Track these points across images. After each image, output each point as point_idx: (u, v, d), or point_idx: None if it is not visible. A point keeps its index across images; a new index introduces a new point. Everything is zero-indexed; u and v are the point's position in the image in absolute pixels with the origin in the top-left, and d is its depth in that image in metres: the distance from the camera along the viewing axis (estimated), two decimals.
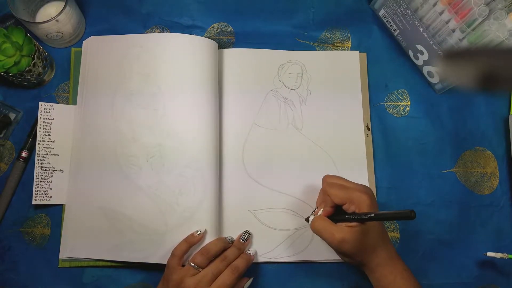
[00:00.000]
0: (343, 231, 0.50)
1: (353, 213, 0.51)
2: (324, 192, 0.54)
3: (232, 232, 0.60)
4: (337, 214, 0.53)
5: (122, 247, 0.58)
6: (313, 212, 0.55)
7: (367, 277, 0.60)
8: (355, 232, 0.49)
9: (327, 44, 0.68)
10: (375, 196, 0.63)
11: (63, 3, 0.59)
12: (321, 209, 0.54)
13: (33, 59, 0.59)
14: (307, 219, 0.58)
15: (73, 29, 0.63)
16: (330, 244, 0.51)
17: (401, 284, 0.50)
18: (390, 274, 0.51)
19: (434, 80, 0.66)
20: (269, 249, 0.60)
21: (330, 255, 0.60)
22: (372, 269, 0.52)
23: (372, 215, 0.48)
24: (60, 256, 0.59)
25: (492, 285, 0.62)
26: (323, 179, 0.55)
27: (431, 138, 0.66)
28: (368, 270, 0.52)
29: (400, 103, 0.67)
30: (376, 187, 0.63)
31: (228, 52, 0.66)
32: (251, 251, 0.59)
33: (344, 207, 0.52)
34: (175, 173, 0.58)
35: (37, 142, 0.60)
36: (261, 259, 0.60)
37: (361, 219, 0.49)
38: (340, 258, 0.60)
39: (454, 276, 0.62)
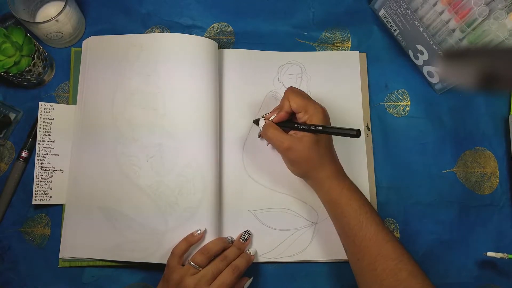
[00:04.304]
0: (292, 140, 0.53)
1: (303, 123, 0.54)
2: (285, 97, 0.56)
3: (232, 232, 0.60)
4: (288, 122, 0.56)
5: (122, 247, 0.58)
6: (264, 116, 0.58)
7: None
8: (303, 142, 0.53)
9: (327, 44, 0.68)
10: (375, 192, 0.63)
11: (63, 3, 0.59)
12: (274, 114, 0.57)
13: (33, 59, 0.59)
14: (255, 121, 0.61)
15: (73, 29, 0.63)
16: (277, 149, 0.55)
17: (348, 195, 0.53)
18: (338, 187, 0.53)
19: (434, 80, 0.66)
20: (269, 249, 0.60)
21: (330, 255, 0.60)
22: (320, 181, 0.54)
23: (320, 127, 0.52)
24: (60, 256, 0.59)
25: (492, 285, 0.62)
26: (288, 87, 0.57)
27: (431, 138, 0.66)
28: (317, 183, 0.55)
29: (400, 103, 0.67)
30: (376, 187, 0.63)
31: (228, 53, 0.66)
32: (251, 251, 0.59)
33: (299, 115, 0.55)
34: (175, 173, 0.58)
35: (37, 142, 0.60)
36: (261, 259, 0.60)
37: (308, 130, 0.53)
38: (340, 258, 0.60)
39: (454, 276, 0.62)
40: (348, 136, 0.50)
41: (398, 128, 0.66)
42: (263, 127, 0.57)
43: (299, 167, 0.55)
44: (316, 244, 0.61)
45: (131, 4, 0.68)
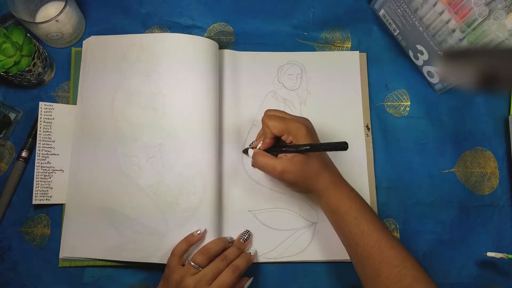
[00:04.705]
0: (283, 163, 0.52)
1: (290, 145, 0.53)
2: (264, 124, 0.55)
3: (232, 232, 0.60)
4: (276, 146, 0.55)
5: (122, 247, 0.58)
6: (251, 145, 0.57)
7: None
8: (295, 162, 0.52)
9: (327, 44, 0.68)
10: (375, 192, 0.63)
11: (63, 3, 0.59)
12: (260, 142, 0.56)
13: (33, 59, 0.59)
14: (245, 151, 0.61)
15: (73, 29, 0.63)
16: (272, 176, 0.54)
17: (347, 203, 0.52)
18: (336, 196, 0.53)
19: (434, 80, 0.66)
20: (269, 249, 0.60)
21: (330, 255, 0.60)
22: (319, 194, 0.54)
23: (307, 147, 0.51)
24: (60, 256, 0.59)
25: (492, 285, 0.62)
26: (264, 112, 0.56)
27: (431, 138, 0.66)
28: (316, 196, 0.55)
29: (400, 103, 0.67)
30: (376, 187, 0.63)
31: (228, 53, 0.66)
32: (251, 251, 0.59)
33: (283, 138, 0.54)
34: (175, 173, 0.58)
35: (37, 142, 0.60)
36: (261, 259, 0.60)
37: (297, 151, 0.52)
38: (340, 258, 0.60)
39: (454, 276, 0.62)
40: (337, 150, 0.49)
41: (398, 128, 0.66)
42: (253, 157, 0.55)
43: (298, 185, 0.54)
44: (316, 244, 0.61)
45: (131, 4, 0.68)
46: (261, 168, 0.55)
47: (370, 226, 0.50)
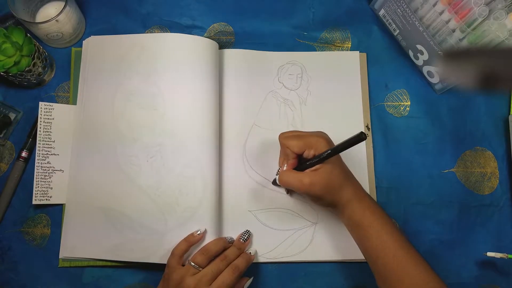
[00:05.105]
0: (310, 175, 0.52)
1: (312, 157, 0.53)
2: (283, 147, 0.55)
3: (232, 232, 0.60)
4: (300, 164, 0.55)
5: (122, 247, 0.58)
6: (278, 173, 0.57)
7: (367, 277, 0.60)
8: (320, 173, 0.52)
9: (327, 44, 0.68)
10: (375, 192, 0.63)
11: (63, 3, 0.59)
12: (285, 165, 0.56)
13: (33, 59, 0.59)
14: (273, 182, 0.61)
15: (73, 29, 0.63)
16: (300, 190, 0.53)
17: (370, 217, 0.52)
18: (359, 209, 0.53)
19: (434, 80, 0.66)
20: (269, 249, 0.60)
21: (330, 255, 0.60)
22: (342, 207, 0.53)
23: (328, 151, 0.51)
24: (60, 256, 0.59)
25: (492, 285, 0.62)
26: (278, 137, 0.56)
27: (431, 138, 0.66)
28: (339, 210, 0.54)
29: (400, 103, 0.67)
30: (376, 187, 0.63)
31: (228, 53, 0.66)
32: (251, 251, 0.59)
33: (304, 154, 0.54)
34: (175, 173, 0.58)
35: (37, 142, 0.60)
36: (261, 259, 0.60)
37: (320, 159, 0.52)
38: (340, 258, 0.60)
39: (454, 276, 0.62)
40: (357, 143, 0.48)
41: (398, 128, 0.66)
42: (279, 177, 0.55)
43: (324, 198, 0.53)
44: (316, 244, 0.60)
45: (131, 4, 0.68)
46: (286, 183, 0.54)
47: (392, 240, 0.50)
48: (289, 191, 0.62)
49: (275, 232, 0.61)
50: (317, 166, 0.52)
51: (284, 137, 0.55)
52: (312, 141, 0.53)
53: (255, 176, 0.62)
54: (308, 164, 0.53)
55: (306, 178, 0.52)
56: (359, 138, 0.47)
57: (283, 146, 0.55)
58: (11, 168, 0.61)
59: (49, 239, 0.60)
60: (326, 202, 0.54)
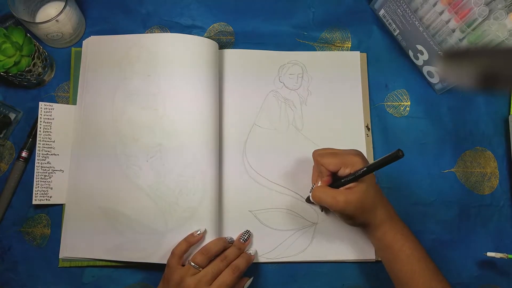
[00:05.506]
0: (344, 193, 0.51)
1: (348, 175, 0.52)
2: (318, 164, 0.55)
3: (232, 232, 0.60)
4: (334, 181, 0.55)
5: (122, 247, 0.58)
6: (311, 190, 0.57)
7: (367, 277, 0.60)
8: (355, 192, 0.51)
9: (327, 44, 0.68)
10: None
11: (63, 3, 0.59)
12: (319, 182, 0.55)
13: (33, 59, 0.59)
14: (307, 200, 0.60)
15: (73, 29, 0.63)
16: (334, 208, 0.52)
17: (402, 240, 0.52)
18: (391, 231, 0.52)
19: (434, 80, 0.66)
20: (269, 249, 0.60)
21: (330, 256, 0.60)
22: (374, 228, 0.53)
23: (364, 169, 0.50)
24: (60, 256, 0.59)
25: (492, 285, 0.62)
26: (312, 154, 0.56)
27: (431, 138, 0.66)
28: (370, 230, 0.54)
29: (400, 103, 0.67)
30: None
31: (229, 53, 0.66)
32: (251, 251, 0.59)
33: (340, 172, 0.53)
34: (175, 173, 0.58)
35: (37, 142, 0.60)
36: (261, 259, 0.60)
37: (355, 177, 0.51)
38: (340, 258, 0.60)
39: (454, 276, 0.62)
40: (394, 161, 0.47)
41: (398, 128, 0.66)
42: (313, 193, 0.54)
43: (357, 218, 0.53)
44: (316, 244, 0.60)
45: (131, 4, 0.68)
46: (320, 200, 0.53)
47: (422, 266, 0.50)
48: (324, 209, 0.61)
49: (275, 232, 0.61)
50: (352, 184, 0.52)
51: (319, 154, 0.54)
52: (348, 159, 0.52)
53: (256, 176, 0.62)
54: (343, 181, 0.53)
55: (341, 196, 0.51)
56: (396, 156, 0.46)
57: (318, 163, 0.54)
58: (11, 168, 0.61)
59: (49, 239, 0.60)
60: (358, 221, 0.53)
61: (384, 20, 0.68)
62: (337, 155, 0.53)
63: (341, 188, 0.53)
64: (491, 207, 0.64)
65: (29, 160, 0.62)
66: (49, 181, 0.60)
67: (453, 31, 0.57)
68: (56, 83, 0.65)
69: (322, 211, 0.61)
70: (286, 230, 0.61)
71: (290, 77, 0.66)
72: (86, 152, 0.60)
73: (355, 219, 0.53)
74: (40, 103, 0.61)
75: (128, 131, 0.60)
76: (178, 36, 0.62)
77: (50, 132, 0.61)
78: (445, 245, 0.62)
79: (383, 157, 0.48)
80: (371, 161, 0.64)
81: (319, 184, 0.55)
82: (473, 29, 0.56)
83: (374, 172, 0.51)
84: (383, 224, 0.53)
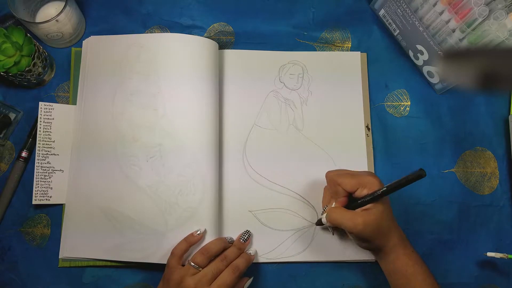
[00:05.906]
0: (362, 215, 0.50)
1: (366, 195, 0.51)
2: (334, 184, 0.54)
3: (232, 232, 0.60)
4: (349, 203, 0.54)
5: (122, 247, 0.58)
6: (323, 212, 0.56)
7: (366, 277, 0.60)
8: (373, 214, 0.50)
9: (327, 44, 0.68)
10: None
11: (63, 3, 0.59)
12: (333, 203, 0.54)
13: (33, 59, 0.59)
14: (318, 222, 0.59)
15: (73, 29, 0.63)
16: (352, 230, 0.51)
17: (414, 266, 0.51)
18: (404, 256, 0.52)
19: (434, 80, 0.66)
20: (269, 249, 0.60)
21: (330, 256, 0.60)
22: (388, 251, 0.52)
23: (384, 189, 0.49)
24: (60, 256, 0.59)
25: (492, 285, 0.62)
26: (326, 175, 0.56)
27: (431, 138, 0.66)
28: (384, 253, 0.53)
29: (400, 103, 0.67)
30: None
31: (229, 53, 0.66)
32: (251, 251, 0.59)
33: (356, 193, 0.52)
34: (175, 173, 0.58)
35: (37, 142, 0.60)
36: (261, 259, 0.60)
37: (374, 197, 0.50)
38: (340, 258, 0.60)
39: (454, 276, 0.62)
40: (415, 180, 0.47)
41: (398, 128, 0.66)
42: (328, 215, 0.53)
43: (372, 241, 0.51)
44: (316, 244, 0.60)
45: (131, 4, 0.68)
46: (336, 221, 0.52)
47: None
48: (334, 231, 0.60)
49: (275, 232, 0.61)
50: (369, 206, 0.51)
51: (336, 175, 0.54)
52: (365, 179, 0.52)
53: (256, 176, 0.62)
54: (360, 202, 0.51)
55: (359, 218, 0.50)
56: (419, 175, 0.45)
57: (334, 184, 0.54)
58: (11, 168, 0.61)
59: (49, 239, 0.60)
60: (374, 245, 0.52)
61: (384, 20, 0.68)
62: (355, 175, 0.53)
63: (358, 210, 0.52)
64: (491, 207, 0.64)
65: (29, 160, 0.62)
66: (49, 181, 0.60)
67: (453, 31, 0.57)
68: (56, 83, 0.65)
69: (333, 234, 0.60)
70: (286, 230, 0.61)
71: (291, 77, 0.66)
72: (86, 152, 0.60)
73: (371, 242, 0.52)
74: (40, 103, 0.61)
75: (128, 131, 0.60)
76: (178, 36, 0.62)
77: (50, 132, 0.61)
78: (445, 245, 0.62)
79: (404, 176, 0.47)
80: (371, 164, 0.64)
81: (333, 205, 0.54)
82: (473, 29, 0.56)
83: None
84: (396, 248, 0.52)
